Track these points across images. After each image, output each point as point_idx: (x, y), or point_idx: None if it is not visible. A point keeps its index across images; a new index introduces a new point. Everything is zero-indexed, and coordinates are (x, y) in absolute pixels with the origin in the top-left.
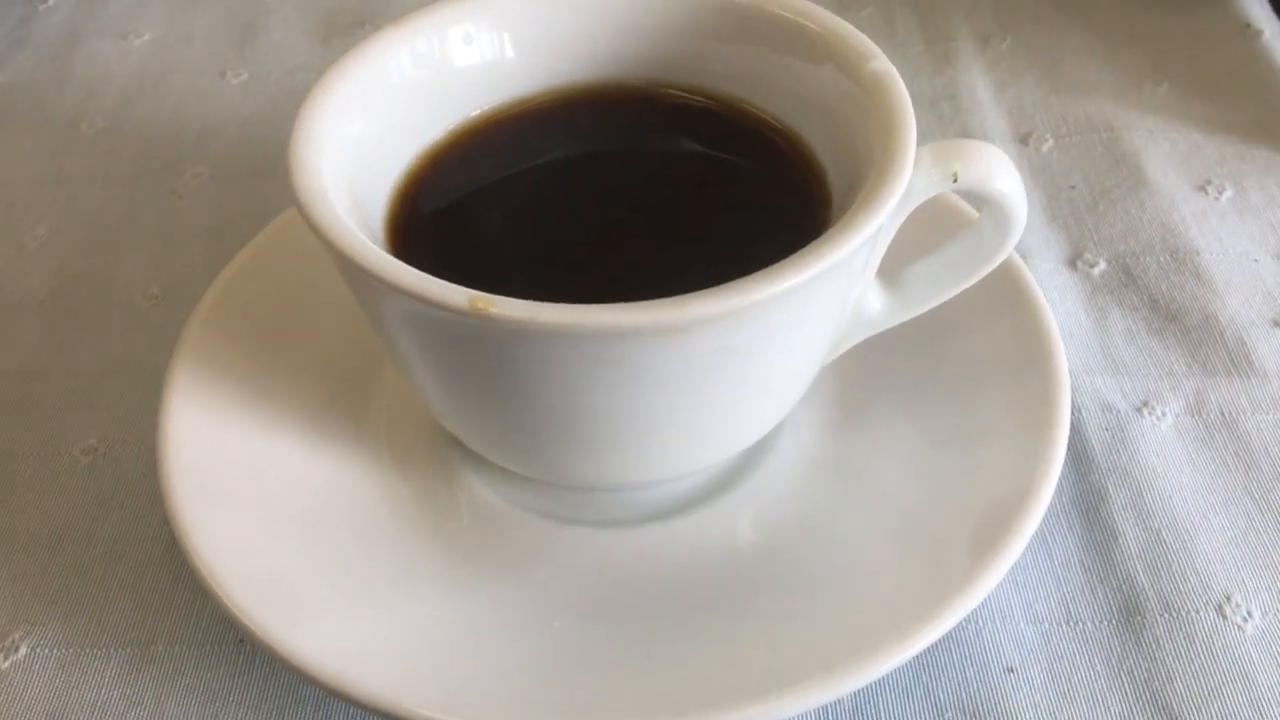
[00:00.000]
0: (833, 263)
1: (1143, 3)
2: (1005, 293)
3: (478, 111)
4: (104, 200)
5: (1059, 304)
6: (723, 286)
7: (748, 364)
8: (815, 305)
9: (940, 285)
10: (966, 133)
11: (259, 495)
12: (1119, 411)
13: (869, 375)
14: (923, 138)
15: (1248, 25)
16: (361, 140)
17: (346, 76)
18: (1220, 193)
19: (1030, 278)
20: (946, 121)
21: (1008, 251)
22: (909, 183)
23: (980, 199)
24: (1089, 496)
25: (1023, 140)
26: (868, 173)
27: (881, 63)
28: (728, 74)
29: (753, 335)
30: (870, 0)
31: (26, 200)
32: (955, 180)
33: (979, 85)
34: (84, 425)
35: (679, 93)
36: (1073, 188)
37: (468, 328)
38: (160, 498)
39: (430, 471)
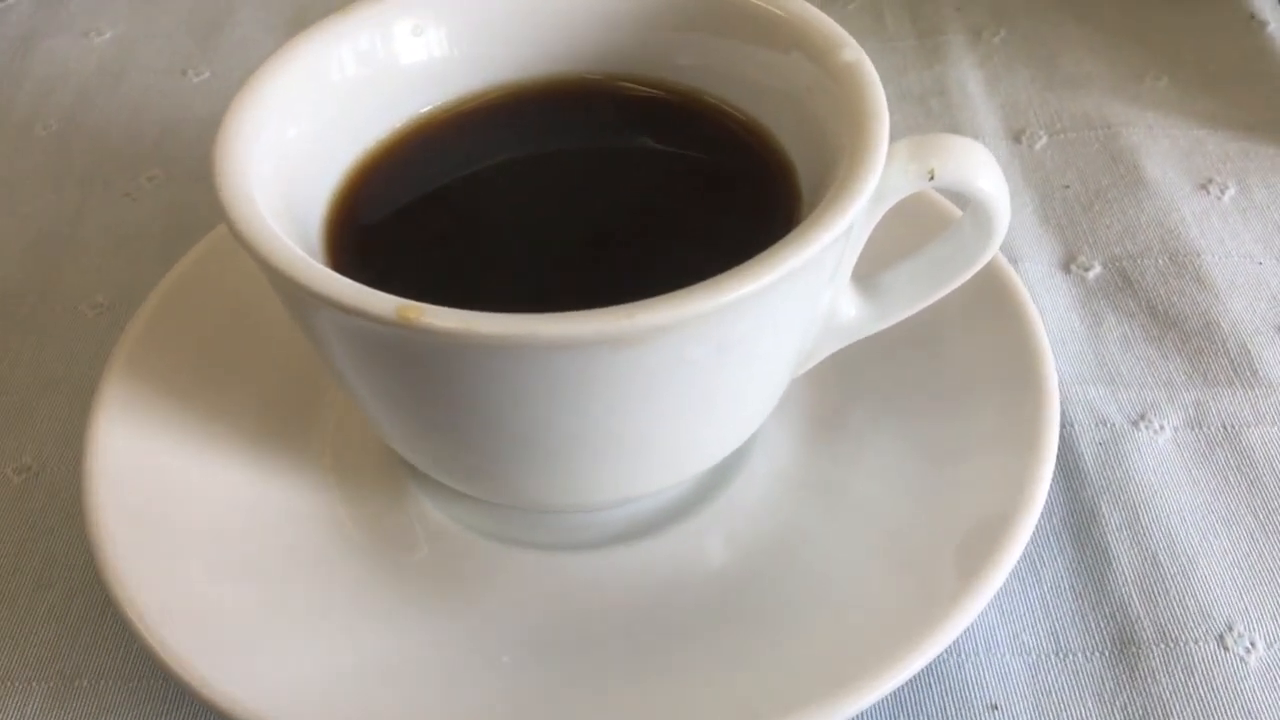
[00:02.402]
0: (796, 266)
1: None
2: (991, 298)
3: (425, 109)
4: (54, 203)
5: (1051, 310)
6: (676, 293)
7: (708, 377)
8: (780, 312)
9: (919, 291)
10: (956, 129)
11: (191, 520)
12: (1114, 424)
13: (846, 384)
14: (909, 134)
15: (1252, 17)
16: (297, 141)
17: (280, 74)
18: (1223, 191)
19: (1018, 282)
20: (935, 117)
21: (990, 255)
22: (882, 180)
23: (960, 198)
24: (1081, 516)
25: (1015, 137)
26: (838, 168)
27: (853, 51)
28: (690, 65)
29: (711, 346)
30: None
31: None
32: (932, 178)
33: (970, 80)
34: (19, 442)
35: (638, 86)
36: (1067, 187)
37: (398, 340)
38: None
39: (377, 492)
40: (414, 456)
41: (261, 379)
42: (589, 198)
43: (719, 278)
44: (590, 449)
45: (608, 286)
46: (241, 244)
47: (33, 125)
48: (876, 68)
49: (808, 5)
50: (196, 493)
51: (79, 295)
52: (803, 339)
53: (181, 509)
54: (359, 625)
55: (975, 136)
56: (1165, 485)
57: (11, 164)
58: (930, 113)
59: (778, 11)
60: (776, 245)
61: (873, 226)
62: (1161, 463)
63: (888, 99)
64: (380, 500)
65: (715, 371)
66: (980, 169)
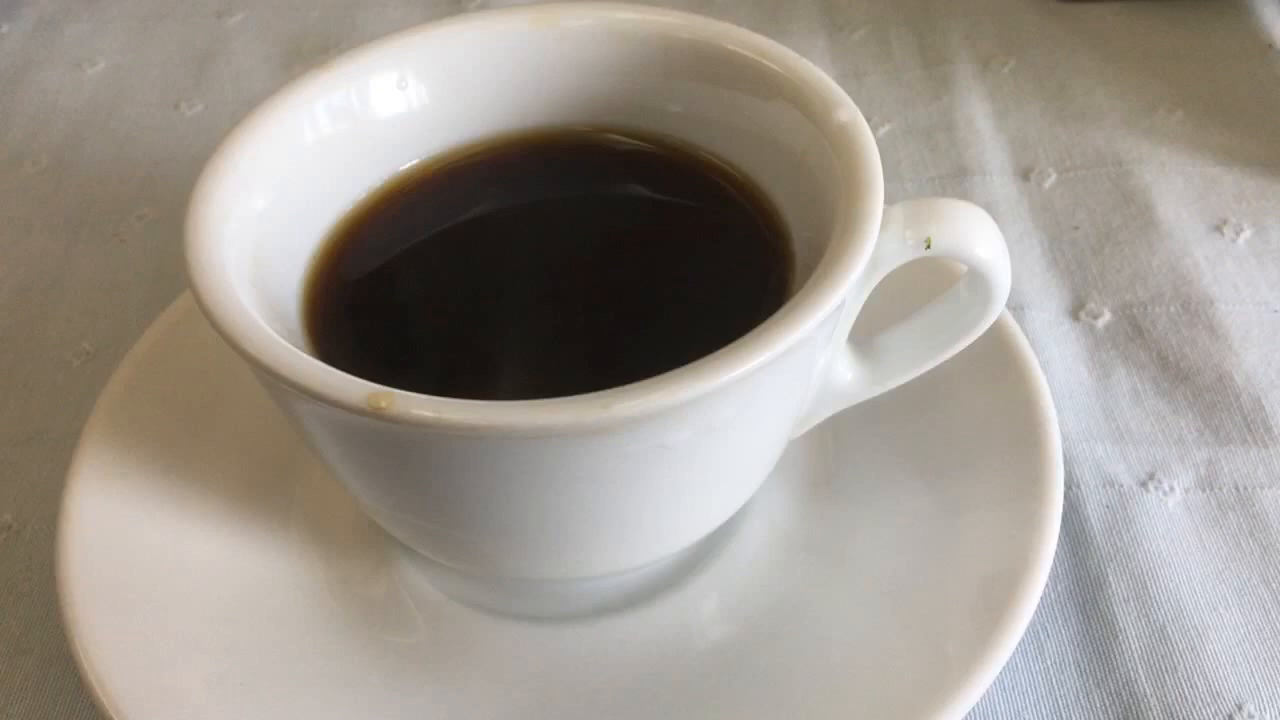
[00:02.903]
0: (784, 349)
1: (1157, 22)
2: (994, 356)
3: (405, 166)
4: (42, 245)
5: (1058, 360)
6: (654, 381)
7: (693, 460)
8: (768, 392)
9: (917, 355)
10: (963, 166)
11: (168, 593)
12: (1121, 486)
13: (844, 443)
14: (916, 170)
15: (1270, 46)
16: (271, 209)
17: (251, 140)
18: (1238, 233)
19: (1022, 340)
20: (941, 154)
21: (989, 322)
22: (876, 249)
23: (944, 269)
24: (1087, 585)
25: (1024, 175)
26: (831, 238)
27: (849, 112)
28: (681, 116)
29: (694, 431)
30: (864, 20)
31: None
32: (929, 246)
33: (978, 113)
34: (1, 499)
35: (629, 139)
36: (1076, 228)
37: (371, 426)
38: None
39: (360, 560)
40: (392, 530)
41: (241, 441)
42: (574, 260)
43: (700, 363)
44: (572, 530)
45: (593, 358)
46: (212, 325)
47: (22, 162)
48: (882, 99)
49: (803, 61)
50: (173, 563)
51: (65, 343)
52: (796, 410)
53: (158, 580)
54: (340, 702)
55: (983, 174)
56: (1175, 552)
57: (3, 202)
58: (937, 149)
59: (773, 66)
60: (762, 326)
61: (868, 293)
62: (1171, 527)
63: (894, 133)
64: (363, 568)
65: (700, 454)
66: (978, 236)
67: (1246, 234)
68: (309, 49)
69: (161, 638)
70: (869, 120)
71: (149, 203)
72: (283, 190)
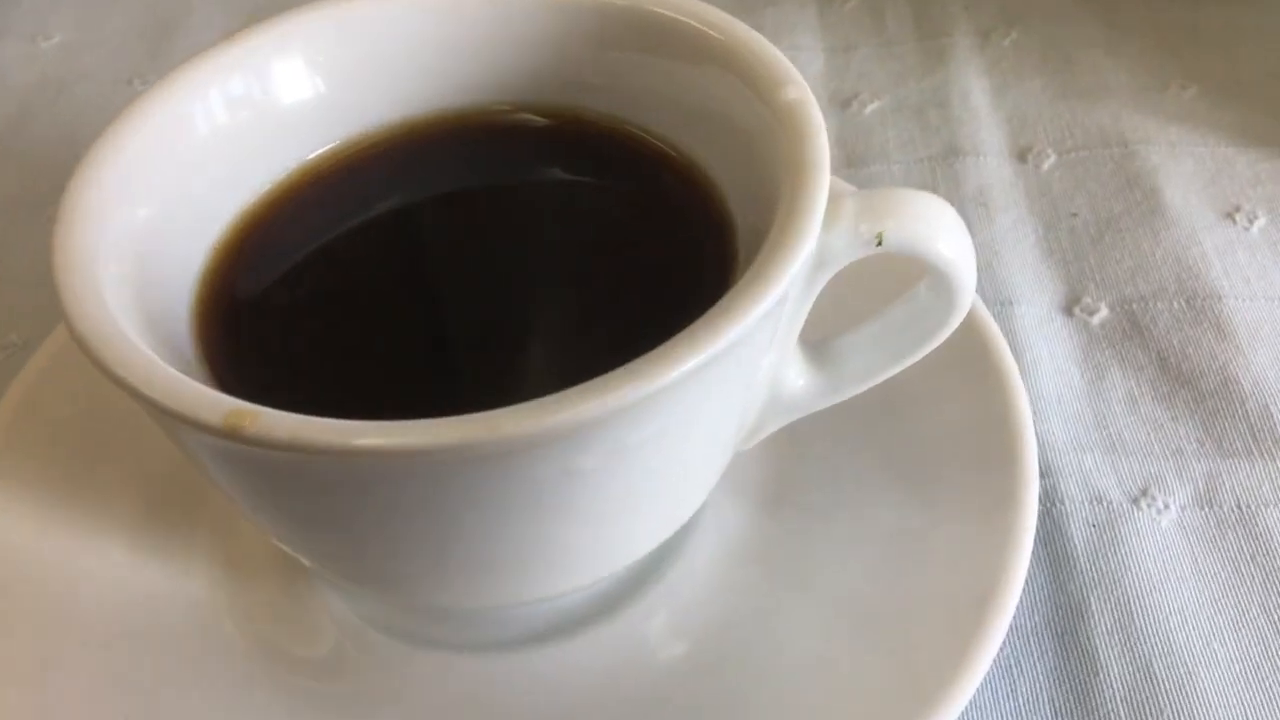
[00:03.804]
0: (707, 357)
1: None
2: (968, 355)
3: (308, 156)
4: None
5: (1048, 360)
6: (551, 398)
7: (608, 483)
8: (695, 407)
9: (874, 362)
10: (955, 145)
11: (67, 622)
12: (1110, 502)
13: (799, 450)
14: (905, 150)
15: None
16: (159, 211)
17: (134, 134)
18: (1251, 221)
19: (999, 338)
20: (933, 132)
21: (953, 327)
22: (823, 244)
23: (916, 265)
24: (1066, 614)
25: (1020, 156)
26: (771, 229)
27: (797, 89)
28: (616, 93)
29: (607, 452)
30: None
31: None
32: (880, 243)
33: (974, 88)
34: None
35: (556, 118)
36: (1074, 215)
37: (234, 446)
38: None
39: (270, 582)
40: (288, 550)
41: (145, 456)
42: (494, 254)
43: (606, 378)
44: (480, 558)
45: (513, 366)
46: (71, 334)
47: None
48: (872, 73)
49: (751, 31)
50: (64, 583)
51: None
52: (737, 423)
53: (46, 601)
54: None
55: (977, 154)
56: (1166, 578)
57: None
58: (928, 127)
59: (716, 35)
60: (684, 332)
61: (817, 292)
62: (1163, 550)
63: (882, 110)
64: (275, 592)
65: (618, 477)
66: (938, 231)
67: (1261, 221)
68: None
69: (44, 662)
70: (857, 96)
71: None
72: (171, 190)
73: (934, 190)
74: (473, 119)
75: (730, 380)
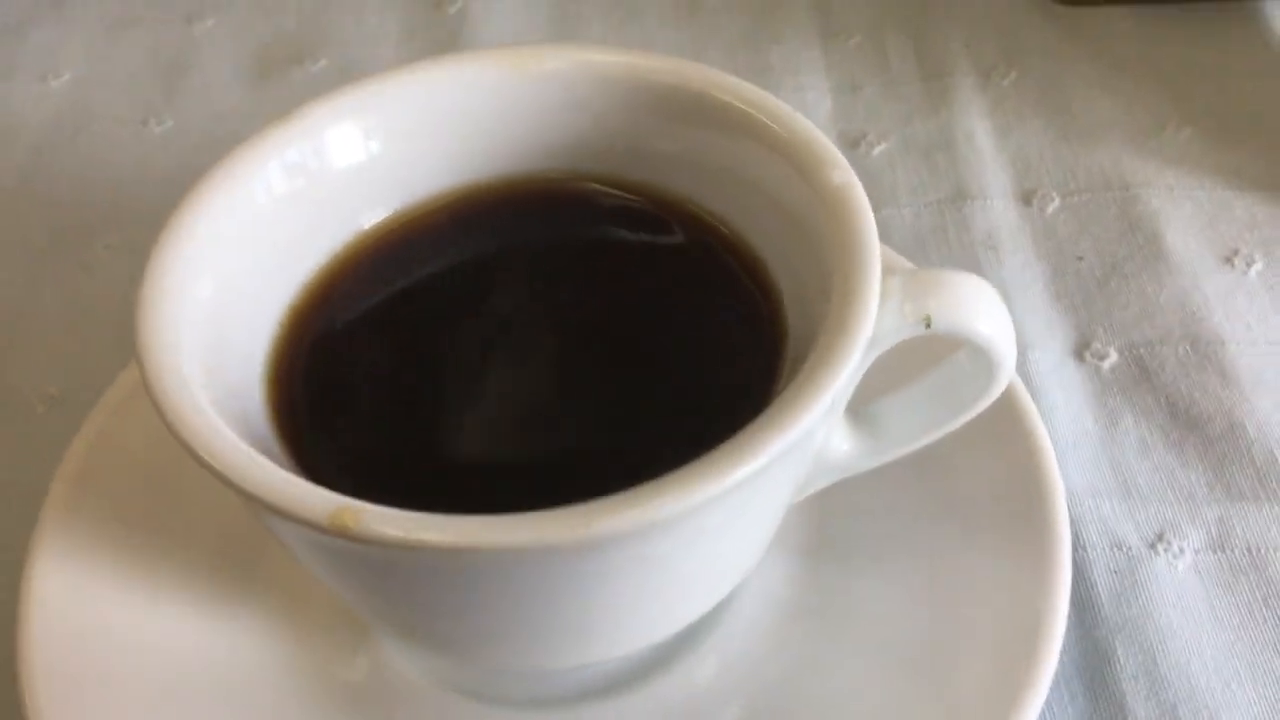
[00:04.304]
0: (780, 450)
1: (1163, 29)
2: (997, 412)
3: (369, 224)
4: (6, 275)
5: (1063, 407)
6: (636, 494)
7: (680, 562)
8: (761, 491)
9: (917, 427)
10: (963, 190)
11: (137, 686)
12: (1129, 548)
13: (839, 504)
14: (914, 194)
15: None
16: (226, 286)
17: (203, 211)
18: (1249, 265)
19: (1027, 401)
20: (941, 175)
21: (994, 397)
22: (875, 326)
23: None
24: (1094, 659)
25: (1026, 199)
26: (825, 315)
27: (842, 173)
28: (665, 167)
29: (681, 539)
30: (859, 26)
31: None
32: (929, 325)
33: (979, 130)
34: None
35: (608, 188)
36: (1080, 259)
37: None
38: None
39: (334, 639)
40: (364, 617)
41: (209, 511)
42: (554, 329)
43: (688, 472)
44: (554, 631)
45: (577, 443)
46: (172, 433)
47: None
48: (879, 114)
49: (796, 114)
50: (138, 645)
51: (29, 386)
52: (791, 494)
53: (122, 665)
54: None
55: (984, 198)
56: (1185, 622)
57: None
58: (936, 170)
59: (763, 119)
60: (755, 426)
61: (864, 369)
62: (1181, 595)
63: (891, 151)
64: (338, 648)
65: (689, 556)
66: (982, 315)
67: (1258, 265)
68: (282, 58)
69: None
70: (865, 137)
71: (117, 229)
72: (237, 265)
73: (945, 233)
74: (531, 187)
75: (793, 463)
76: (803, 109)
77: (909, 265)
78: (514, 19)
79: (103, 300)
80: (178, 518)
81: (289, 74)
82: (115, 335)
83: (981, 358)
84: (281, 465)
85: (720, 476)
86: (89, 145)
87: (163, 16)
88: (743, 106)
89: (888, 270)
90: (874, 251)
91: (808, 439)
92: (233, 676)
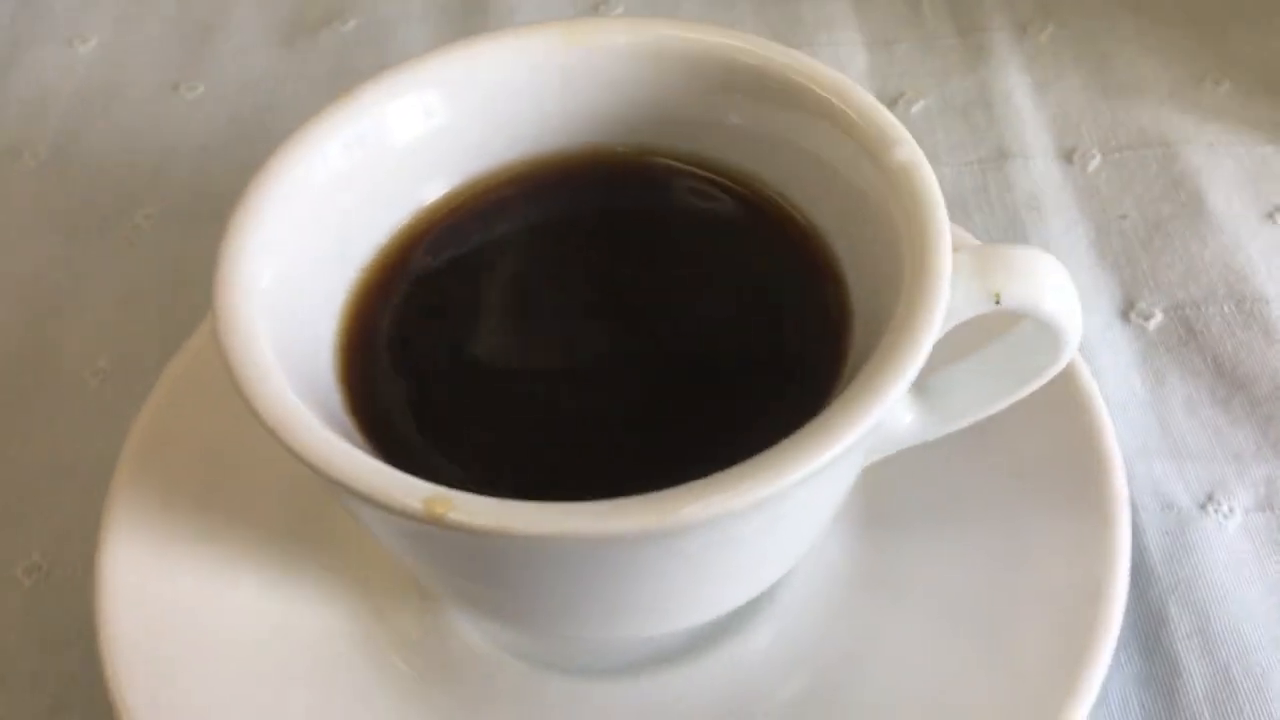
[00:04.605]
0: (859, 434)
1: None
2: (1054, 386)
3: (430, 200)
4: (49, 248)
5: (1111, 368)
6: (720, 480)
7: (757, 541)
8: (837, 471)
9: (980, 398)
10: (1003, 149)
11: (214, 652)
12: (1180, 509)
13: (895, 475)
14: (954, 153)
15: None
16: (293, 265)
17: (269, 193)
18: None
19: (1087, 375)
20: (981, 134)
21: (1059, 368)
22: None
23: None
24: (1149, 620)
25: (1067, 157)
26: (895, 293)
27: (908, 149)
28: (729, 141)
29: (761, 523)
30: None
31: None
32: (998, 302)
33: (1016, 88)
34: (27, 537)
35: (673, 162)
36: (1124, 217)
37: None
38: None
39: (403, 609)
40: (442, 596)
41: (277, 481)
42: (621, 311)
43: (770, 457)
44: (632, 605)
45: (649, 420)
46: (262, 425)
47: (21, 154)
48: (916, 71)
49: (859, 90)
50: (213, 616)
51: (81, 361)
52: (859, 469)
53: (198, 636)
54: None
55: (1025, 156)
56: (1236, 582)
57: (5, 200)
58: (975, 128)
59: (827, 95)
60: (834, 409)
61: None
62: (1232, 554)
63: (929, 109)
64: (409, 618)
65: (766, 534)
66: (1050, 290)
67: None
68: (311, 19)
69: (207, 700)
70: (903, 95)
71: (155, 199)
72: (303, 246)
73: (987, 194)
74: (596, 160)
75: (864, 446)
76: (837, 65)
77: (968, 236)
78: None
79: (147, 271)
80: (243, 492)
81: (318, 36)
82: (161, 306)
83: (1047, 333)
84: (357, 444)
85: (805, 460)
86: (121, 113)
87: None
88: (805, 82)
89: (955, 246)
90: (944, 230)
91: (880, 422)
92: (302, 645)
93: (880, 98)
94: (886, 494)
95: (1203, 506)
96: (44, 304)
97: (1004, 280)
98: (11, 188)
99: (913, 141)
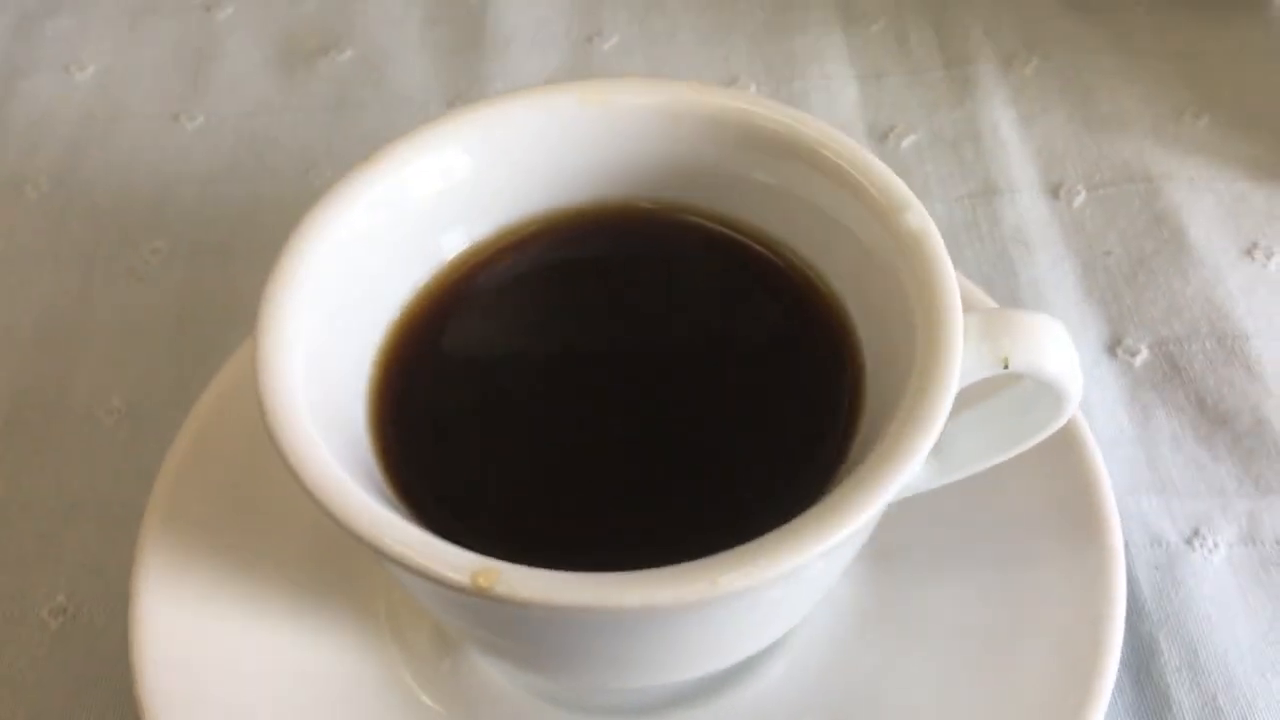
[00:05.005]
0: (888, 497)
1: (1177, 12)
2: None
3: (455, 253)
4: (57, 283)
5: (1099, 403)
6: (753, 549)
7: (784, 597)
8: (858, 537)
9: (983, 450)
10: (991, 183)
11: (242, 689)
12: (1168, 543)
13: (899, 516)
14: (945, 187)
15: None
16: (325, 328)
17: (300, 261)
18: (1269, 257)
19: (1080, 419)
20: (969, 168)
21: (1060, 424)
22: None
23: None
24: (1140, 653)
25: (1053, 192)
26: (909, 355)
27: (917, 216)
28: (749, 199)
29: (787, 585)
30: (882, 11)
31: None
32: (1007, 366)
33: (1003, 121)
34: (51, 579)
35: (696, 218)
36: (1109, 253)
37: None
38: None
39: (429, 651)
40: (469, 645)
41: (303, 524)
42: (642, 370)
43: (801, 526)
44: (658, 660)
45: (671, 483)
46: (310, 497)
47: (22, 186)
48: (906, 103)
49: (870, 156)
50: (248, 660)
51: (94, 399)
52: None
53: (235, 680)
54: None
55: (1012, 191)
56: (1222, 615)
57: (7, 236)
58: (964, 162)
59: (836, 159)
60: (863, 474)
61: None
62: (1218, 588)
63: (919, 143)
64: (433, 657)
65: (790, 593)
66: (1054, 354)
67: (1277, 258)
68: (308, 48)
69: None
70: (894, 128)
71: (162, 233)
72: (332, 307)
73: (977, 229)
74: (622, 214)
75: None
76: (829, 97)
77: (976, 290)
78: (537, 5)
79: (156, 308)
80: (270, 536)
81: (316, 65)
82: (170, 342)
83: (1050, 393)
84: (385, 493)
85: (835, 529)
86: (121, 143)
87: (182, 3)
88: (817, 146)
89: (964, 308)
90: (955, 298)
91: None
92: (331, 685)
93: (872, 131)
94: (891, 533)
95: (1189, 541)
96: (54, 340)
97: (1010, 344)
98: (15, 221)
99: (921, 207)
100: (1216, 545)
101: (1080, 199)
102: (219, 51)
